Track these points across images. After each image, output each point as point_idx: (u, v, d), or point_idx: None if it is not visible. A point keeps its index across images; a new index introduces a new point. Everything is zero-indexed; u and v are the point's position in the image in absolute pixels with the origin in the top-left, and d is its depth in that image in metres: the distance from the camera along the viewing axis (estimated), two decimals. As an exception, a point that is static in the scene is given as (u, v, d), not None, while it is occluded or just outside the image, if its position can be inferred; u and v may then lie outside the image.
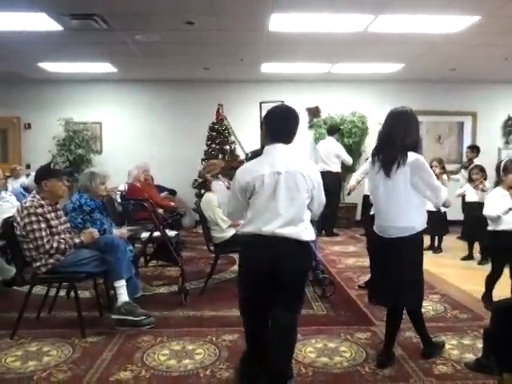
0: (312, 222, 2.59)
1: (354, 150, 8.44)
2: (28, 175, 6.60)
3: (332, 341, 3.24)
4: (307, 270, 2.68)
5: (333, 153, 7.67)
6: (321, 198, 2.56)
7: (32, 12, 4.78)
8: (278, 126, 2.51)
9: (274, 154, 2.49)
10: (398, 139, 2.70)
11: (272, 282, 2.41)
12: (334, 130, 7.92)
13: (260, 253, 2.41)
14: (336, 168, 7.64)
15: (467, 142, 8.80)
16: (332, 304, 4.04)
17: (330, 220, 7.29)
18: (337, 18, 5.05)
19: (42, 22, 5.07)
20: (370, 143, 8.48)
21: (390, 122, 2.81)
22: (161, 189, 7.51)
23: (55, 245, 3.29)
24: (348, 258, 5.95)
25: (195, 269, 5.35)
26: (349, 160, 7.70)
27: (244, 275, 2.59)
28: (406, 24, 5.22)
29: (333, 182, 7.18)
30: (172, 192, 7.98)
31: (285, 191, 2.40)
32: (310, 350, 3.10)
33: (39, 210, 3.29)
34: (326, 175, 7.41)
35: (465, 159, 7.10)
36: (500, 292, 3.75)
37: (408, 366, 2.84)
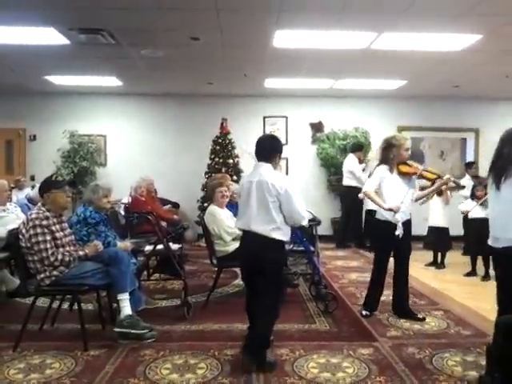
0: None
1: (357, 165, 8.48)
2: (33, 187, 6.63)
3: (335, 356, 3.23)
4: (277, 263, 3.15)
5: (346, 169, 7.83)
6: (289, 206, 3.04)
7: (41, 27, 4.87)
8: (259, 150, 3.22)
9: (255, 169, 3.19)
10: (508, 155, 2.78)
11: (251, 267, 3.13)
12: (354, 147, 7.99)
13: (244, 244, 3.24)
14: (352, 183, 7.65)
15: (470, 157, 8.85)
16: (334, 319, 4.03)
17: (356, 232, 7.67)
18: (340, 34, 5.11)
19: (50, 36, 5.14)
20: (373, 158, 8.55)
21: (502, 139, 2.86)
22: (164, 202, 7.53)
23: (60, 257, 3.31)
24: (351, 272, 5.94)
25: (198, 282, 5.35)
26: (361, 178, 7.59)
27: (239, 259, 3.38)
28: (408, 42, 5.29)
29: (349, 197, 7.60)
30: (175, 205, 8.00)
31: (255, 196, 3.06)
32: (312, 365, 3.09)
33: (44, 222, 3.32)
34: (348, 189, 7.52)
35: (468, 177, 7.12)
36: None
37: (410, 383, 2.83)
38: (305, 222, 3.20)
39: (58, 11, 4.48)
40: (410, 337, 3.62)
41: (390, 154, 3.98)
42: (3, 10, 4.39)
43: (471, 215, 5.75)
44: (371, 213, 5.99)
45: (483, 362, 2.90)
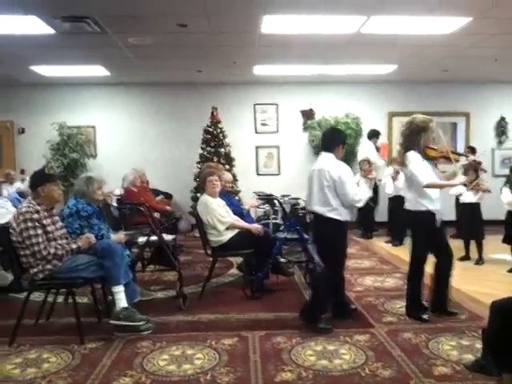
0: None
1: (348, 152, 8.41)
2: (23, 180, 6.56)
3: (331, 343, 3.24)
4: (333, 238, 3.57)
5: (363, 156, 7.54)
6: (343, 190, 3.49)
7: (23, 15, 4.75)
8: (321, 141, 3.86)
9: (318, 159, 3.70)
10: None
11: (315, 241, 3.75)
12: (370, 134, 7.85)
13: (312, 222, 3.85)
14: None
15: (461, 142, 8.88)
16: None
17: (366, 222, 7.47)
18: (329, 19, 5.07)
19: (33, 25, 5.04)
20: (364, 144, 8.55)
21: None
22: (156, 192, 7.48)
23: (52, 251, 3.27)
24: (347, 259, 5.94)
25: (193, 273, 5.34)
26: (377, 165, 7.50)
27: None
28: (397, 25, 5.26)
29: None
30: (167, 196, 7.96)
31: (316, 182, 3.58)
32: (309, 352, 3.09)
33: (35, 216, 3.27)
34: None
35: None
36: (494, 290, 3.77)
37: (408, 368, 2.85)
38: (360, 204, 3.74)
39: (40, -1, 4.37)
40: (405, 322, 3.64)
41: (420, 138, 3.59)
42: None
43: (463, 199, 5.76)
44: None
45: (479, 346, 2.93)
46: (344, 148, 3.76)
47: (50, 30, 5.20)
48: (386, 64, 7.33)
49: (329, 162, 3.58)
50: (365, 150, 7.78)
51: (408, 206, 3.69)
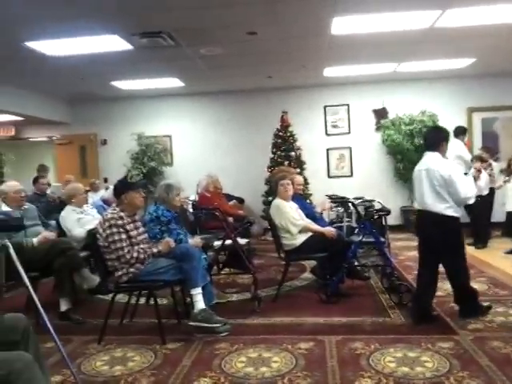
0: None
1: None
2: (107, 188, 6.97)
3: (412, 350, 3.12)
4: (454, 235, 3.57)
5: (454, 155, 6.95)
6: (454, 189, 3.46)
7: (106, 35, 5.09)
8: (425, 141, 3.86)
9: (423, 158, 3.70)
10: None
11: (426, 241, 3.77)
12: (457, 131, 7.21)
13: (420, 221, 3.84)
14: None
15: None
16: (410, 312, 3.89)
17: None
18: (401, 16, 4.90)
19: (114, 43, 5.38)
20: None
21: None
22: (229, 197, 7.64)
23: (135, 255, 3.45)
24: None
25: (266, 276, 5.37)
26: (468, 163, 7.19)
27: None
28: (476, 16, 4.96)
29: None
30: (240, 200, 8.10)
31: (426, 182, 3.57)
32: (389, 359, 3.00)
33: (119, 222, 3.47)
34: None
35: None
36: None
37: (498, 379, 2.66)
38: (471, 201, 3.84)
39: (120, 19, 4.66)
40: (493, 330, 3.42)
41: None
42: (73, 21, 4.62)
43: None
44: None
45: None
46: (447, 145, 3.76)
47: (128, 47, 5.51)
48: (462, 58, 6.95)
49: (436, 161, 3.58)
50: (455, 148, 7.28)
51: None
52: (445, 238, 3.52)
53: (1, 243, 2.37)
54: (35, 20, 4.55)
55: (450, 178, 3.46)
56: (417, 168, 3.75)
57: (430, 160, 3.61)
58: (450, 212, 3.51)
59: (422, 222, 3.75)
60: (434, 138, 3.72)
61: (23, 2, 4.10)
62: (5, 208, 4.10)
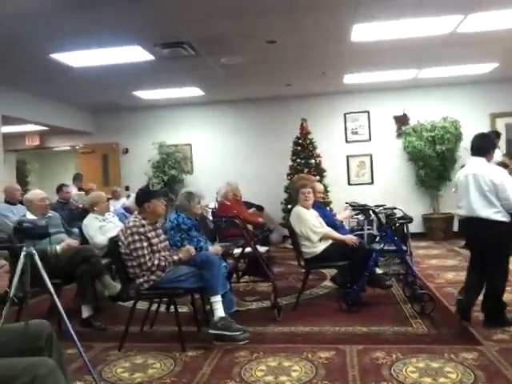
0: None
1: (448, 158, 8.03)
2: (128, 196, 7.07)
3: (435, 360, 3.05)
4: (502, 239, 3.51)
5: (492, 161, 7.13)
6: (504, 194, 3.44)
7: (129, 46, 5.19)
8: (472, 147, 3.75)
9: (470, 164, 3.71)
10: None
11: (475, 246, 3.72)
12: None
13: (466, 227, 3.77)
14: None
15: None
16: (432, 321, 3.81)
17: None
18: (423, 21, 4.87)
19: (136, 54, 5.48)
20: (465, 149, 8.03)
21: None
22: (248, 205, 7.65)
23: (156, 262, 3.48)
24: (447, 272, 5.61)
25: (286, 284, 5.35)
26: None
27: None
28: (499, 20, 4.89)
29: None
30: (259, 208, 8.11)
31: (473, 187, 3.55)
32: (411, 369, 2.94)
33: (141, 230, 3.50)
34: None
35: None
36: None
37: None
38: None
39: (143, 30, 4.75)
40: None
41: None
42: (97, 33, 4.73)
43: None
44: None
45: None
46: (494, 152, 3.80)
47: (150, 57, 5.61)
48: (485, 63, 6.86)
49: (483, 166, 3.59)
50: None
51: None
52: (492, 242, 3.50)
53: (27, 250, 2.42)
54: (60, 33, 4.68)
55: (501, 184, 3.45)
56: (462, 173, 3.73)
57: (477, 165, 3.61)
58: (499, 217, 3.48)
59: (470, 228, 3.69)
60: (483, 144, 3.71)
61: (49, 16, 4.21)
62: (30, 216, 4.19)
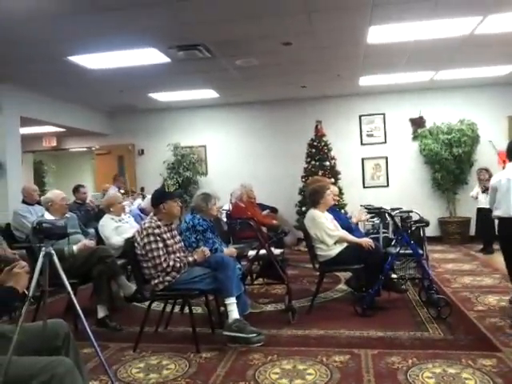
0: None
1: (465, 161, 7.94)
2: (144, 197, 7.11)
3: (452, 366, 3.01)
4: None
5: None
6: None
7: (144, 48, 5.23)
8: (508, 151, 3.90)
9: (508, 168, 3.87)
10: None
11: None
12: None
13: (506, 229, 3.83)
14: None
15: None
16: (449, 326, 3.76)
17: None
18: (440, 23, 4.82)
19: (152, 56, 5.52)
20: (482, 152, 7.93)
21: None
22: (263, 207, 7.65)
23: (171, 263, 3.49)
24: (463, 276, 5.54)
25: (300, 287, 5.33)
26: None
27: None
28: (518, 22, 4.83)
29: None
30: (274, 210, 8.09)
31: None
32: (427, 375, 2.90)
33: (157, 231, 3.52)
34: None
35: None
36: None
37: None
38: None
39: (158, 32, 4.78)
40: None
41: None
42: (113, 36, 4.78)
43: None
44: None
45: None
46: None
47: (166, 59, 5.64)
48: (504, 65, 6.76)
49: None
50: None
51: None
52: None
53: (45, 250, 2.45)
54: (77, 35, 4.74)
55: None
56: (501, 177, 3.88)
57: None
58: None
59: (508, 229, 3.81)
60: None
61: (66, 19, 4.27)
62: (48, 216, 4.24)
